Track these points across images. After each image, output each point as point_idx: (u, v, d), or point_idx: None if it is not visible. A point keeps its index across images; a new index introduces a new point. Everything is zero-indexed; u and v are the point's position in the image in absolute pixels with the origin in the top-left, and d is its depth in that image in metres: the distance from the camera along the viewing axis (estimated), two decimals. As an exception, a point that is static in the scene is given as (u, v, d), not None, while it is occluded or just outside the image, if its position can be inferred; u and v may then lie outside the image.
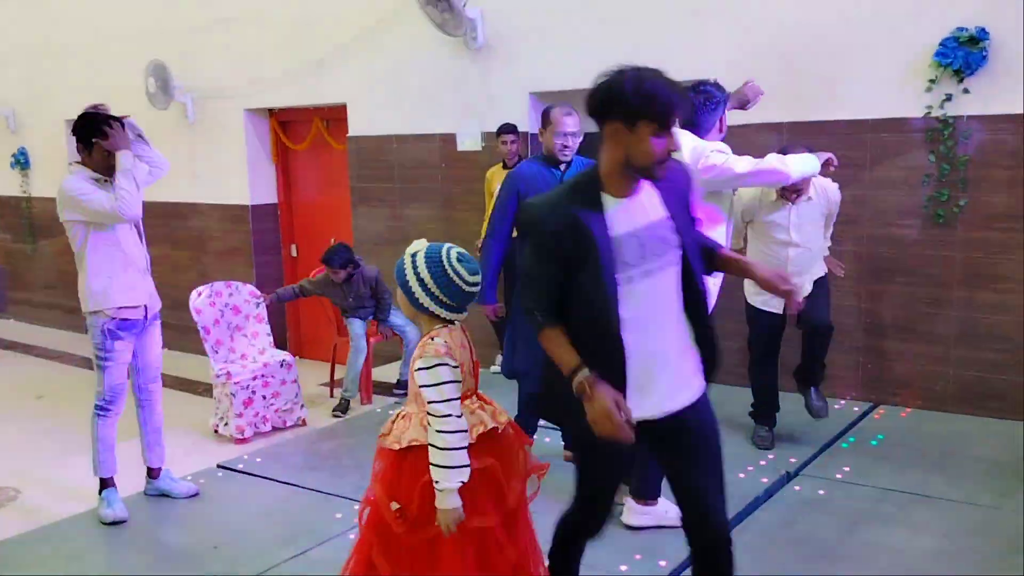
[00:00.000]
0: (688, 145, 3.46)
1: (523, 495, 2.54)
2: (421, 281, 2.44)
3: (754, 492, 3.90)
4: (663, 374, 2.37)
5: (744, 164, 3.51)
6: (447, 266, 2.45)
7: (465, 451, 2.35)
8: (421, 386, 2.37)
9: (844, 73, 4.93)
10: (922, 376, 4.99)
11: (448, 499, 2.33)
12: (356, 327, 5.91)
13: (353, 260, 5.85)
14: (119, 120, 3.92)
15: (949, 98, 4.68)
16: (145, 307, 4.02)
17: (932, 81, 4.70)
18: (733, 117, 5.20)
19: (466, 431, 2.37)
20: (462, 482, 2.32)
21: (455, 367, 2.38)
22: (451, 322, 2.48)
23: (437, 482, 2.33)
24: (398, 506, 2.39)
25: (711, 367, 2.47)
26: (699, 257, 2.43)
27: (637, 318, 2.31)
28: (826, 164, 3.93)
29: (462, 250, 2.52)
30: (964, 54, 4.57)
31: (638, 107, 2.23)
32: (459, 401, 2.38)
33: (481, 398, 2.56)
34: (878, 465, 4.17)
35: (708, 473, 2.44)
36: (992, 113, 4.63)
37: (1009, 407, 4.75)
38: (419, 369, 2.37)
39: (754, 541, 3.48)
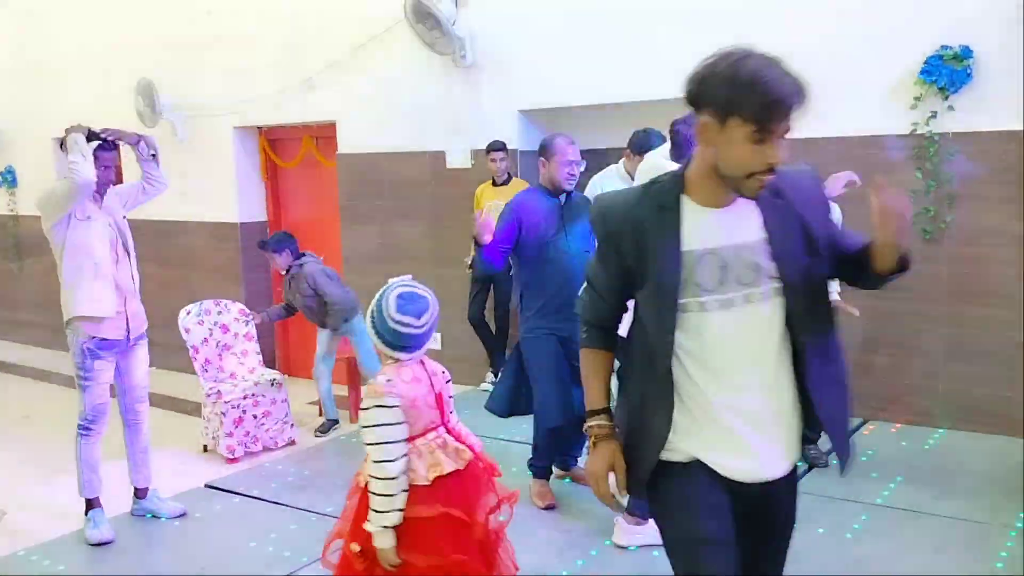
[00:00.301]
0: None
1: (490, 527, 2.53)
2: (371, 318, 2.48)
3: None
4: (754, 433, 1.90)
5: None
6: (383, 306, 2.46)
7: (395, 497, 2.35)
8: (361, 427, 2.37)
9: (831, 91, 4.96)
10: (911, 391, 5.00)
11: (379, 539, 2.36)
12: (320, 344, 5.77)
13: (292, 250, 5.63)
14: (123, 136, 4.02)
15: (934, 115, 4.72)
16: (127, 328, 3.99)
17: (917, 99, 4.75)
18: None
19: (395, 478, 2.36)
20: (389, 525, 2.35)
21: (392, 407, 2.36)
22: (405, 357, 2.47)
23: (368, 521, 2.37)
24: (358, 548, 2.40)
25: (802, 440, 2.00)
26: (810, 296, 1.91)
27: (708, 356, 1.89)
28: (849, 184, 3.92)
29: (412, 290, 2.52)
30: (949, 72, 4.62)
31: (730, 97, 1.79)
32: (397, 444, 2.37)
33: (450, 431, 2.55)
34: (868, 481, 4.17)
35: (776, 563, 2.11)
36: (977, 130, 4.67)
37: (998, 422, 4.76)
38: (361, 409, 2.41)
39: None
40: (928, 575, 3.30)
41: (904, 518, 3.77)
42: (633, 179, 4.52)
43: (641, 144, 4.49)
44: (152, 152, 4.16)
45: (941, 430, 4.87)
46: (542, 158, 3.98)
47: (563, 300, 3.82)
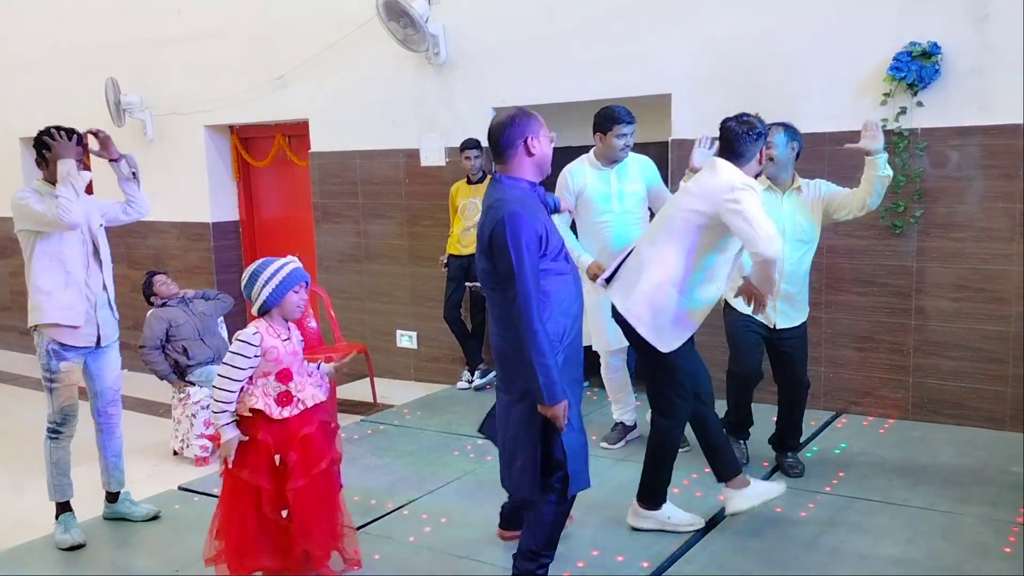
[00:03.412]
0: (724, 174, 3.45)
1: (305, 475, 3.12)
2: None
3: (719, 503, 3.92)
4: None
5: (767, 235, 3.34)
6: None
7: (230, 403, 3.10)
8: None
9: (801, 87, 5.01)
10: (882, 385, 5.06)
11: (223, 434, 3.12)
12: None
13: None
14: (76, 133, 3.88)
15: (904, 111, 4.77)
16: (97, 336, 3.95)
17: (887, 95, 4.80)
18: (692, 131, 5.29)
19: (232, 391, 3.10)
20: (226, 423, 3.10)
21: (254, 344, 3.11)
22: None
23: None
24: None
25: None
26: None
27: None
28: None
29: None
30: (917, 68, 4.67)
31: None
32: (243, 370, 3.10)
33: (291, 395, 3.16)
34: (841, 473, 4.21)
35: None
36: (945, 125, 4.73)
37: (967, 414, 4.83)
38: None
39: (721, 550, 3.49)
40: (900, 565, 3.33)
41: (877, 509, 3.81)
42: (603, 164, 4.49)
43: (604, 122, 4.36)
44: (132, 171, 4.08)
45: (912, 422, 4.94)
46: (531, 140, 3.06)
47: None
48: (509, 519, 3.57)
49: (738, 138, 3.50)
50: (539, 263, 2.86)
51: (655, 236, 3.59)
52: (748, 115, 3.57)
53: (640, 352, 3.66)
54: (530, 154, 3.00)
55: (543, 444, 2.96)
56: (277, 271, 3.17)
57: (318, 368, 3.37)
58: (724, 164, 3.51)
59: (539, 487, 2.98)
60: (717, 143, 3.97)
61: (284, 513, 3.17)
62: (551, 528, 3.07)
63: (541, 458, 2.96)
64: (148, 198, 4.22)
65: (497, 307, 3.00)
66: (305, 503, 3.15)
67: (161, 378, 5.33)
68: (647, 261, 3.52)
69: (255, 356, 3.11)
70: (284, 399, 3.16)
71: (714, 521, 3.78)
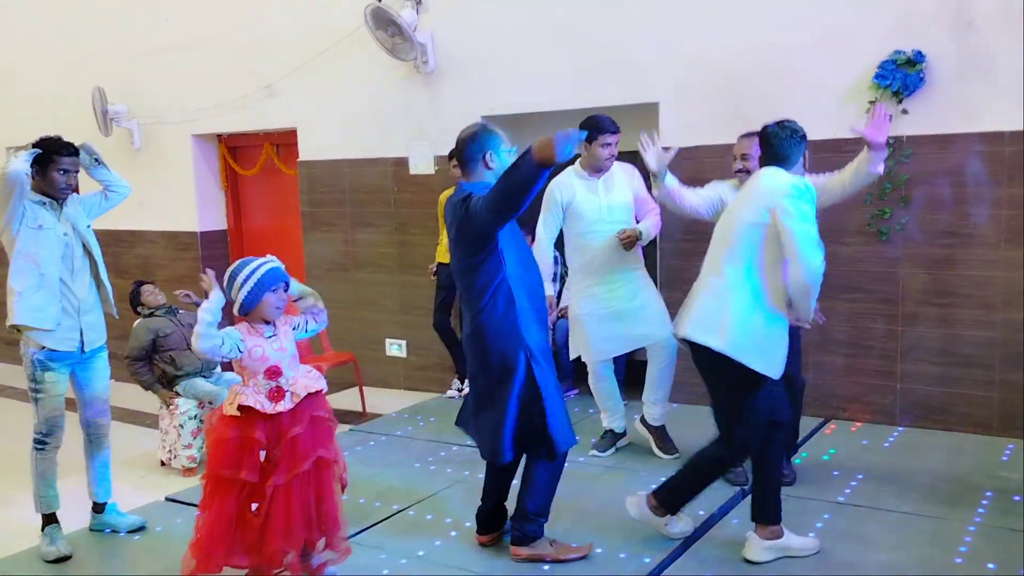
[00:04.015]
0: (777, 177, 3.38)
1: (288, 473, 3.11)
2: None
3: (710, 509, 3.93)
4: None
5: (807, 260, 3.26)
6: None
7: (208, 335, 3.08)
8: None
9: (787, 95, 5.04)
10: (870, 391, 5.08)
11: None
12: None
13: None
14: (72, 145, 3.90)
15: (889, 119, 4.79)
16: (81, 340, 3.92)
17: (872, 102, 4.83)
18: (680, 139, 5.31)
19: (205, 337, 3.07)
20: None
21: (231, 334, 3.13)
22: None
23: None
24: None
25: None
26: None
27: None
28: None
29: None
30: (902, 76, 4.71)
31: None
32: (219, 337, 3.09)
33: (282, 390, 3.15)
34: (830, 479, 4.22)
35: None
36: (930, 133, 4.76)
37: (954, 420, 4.86)
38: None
39: (709, 558, 3.49)
40: (890, 571, 3.34)
41: (865, 515, 3.82)
42: (589, 173, 4.50)
43: (589, 131, 4.38)
44: (95, 157, 4.07)
45: (900, 428, 4.96)
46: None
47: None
48: (487, 523, 3.68)
49: (782, 142, 3.44)
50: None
51: (719, 262, 3.42)
52: (790, 121, 3.51)
53: (723, 387, 3.45)
54: (488, 167, 3.37)
55: (528, 414, 3.34)
56: (253, 272, 3.16)
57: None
58: (772, 170, 3.42)
59: (504, 451, 3.37)
60: (672, 147, 4.07)
61: (254, 507, 3.15)
62: (546, 489, 3.48)
63: (531, 426, 3.35)
64: (134, 205, 4.19)
65: (467, 291, 3.39)
66: (284, 501, 3.13)
67: (146, 388, 5.30)
68: (722, 289, 3.36)
69: (228, 341, 3.10)
70: (275, 394, 3.15)
71: (704, 527, 3.78)
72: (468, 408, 3.62)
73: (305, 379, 3.24)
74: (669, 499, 3.60)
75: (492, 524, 3.68)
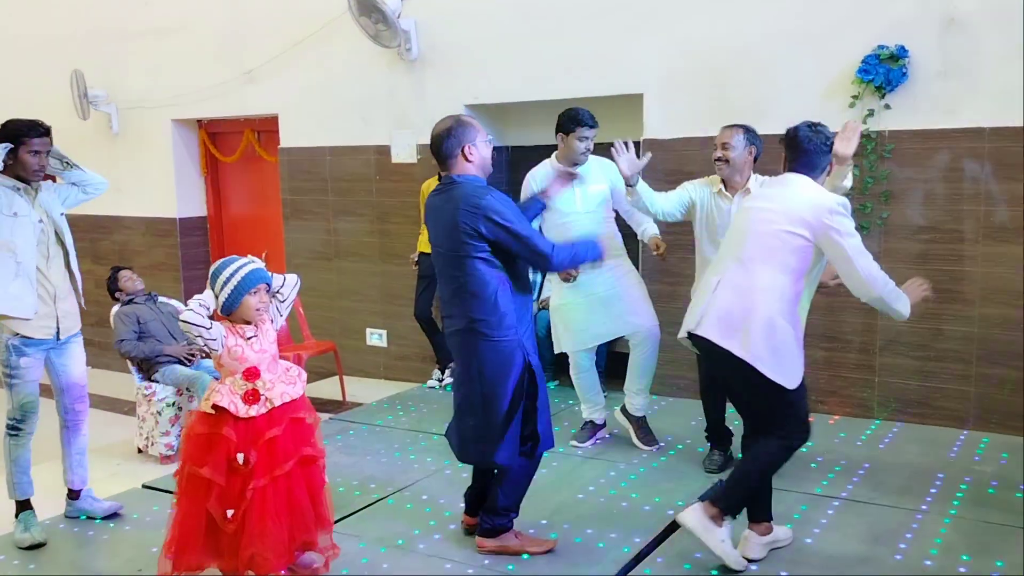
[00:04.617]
0: (813, 193, 3.23)
1: (267, 475, 3.08)
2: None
3: (688, 501, 3.93)
4: None
5: (870, 275, 3.22)
6: None
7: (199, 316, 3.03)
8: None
9: (771, 89, 5.05)
10: (848, 384, 5.11)
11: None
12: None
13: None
14: (42, 125, 3.80)
15: (871, 113, 4.83)
16: (57, 328, 3.86)
17: (855, 97, 4.85)
18: (664, 131, 5.31)
19: (201, 323, 3.02)
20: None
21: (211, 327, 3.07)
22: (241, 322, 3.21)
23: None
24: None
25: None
26: None
27: None
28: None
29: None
30: (885, 71, 4.73)
31: None
32: (207, 329, 3.05)
33: (258, 394, 3.12)
34: (807, 472, 4.24)
35: None
36: (912, 128, 4.79)
37: (932, 413, 4.90)
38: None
39: (689, 548, 3.50)
40: (865, 562, 3.37)
41: (842, 507, 3.85)
42: (565, 165, 4.46)
43: (567, 123, 4.36)
44: (64, 160, 3.99)
45: (877, 421, 5.00)
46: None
47: None
48: (475, 505, 3.66)
49: (816, 148, 3.26)
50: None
51: (748, 259, 3.24)
52: (819, 124, 3.34)
53: (749, 392, 3.31)
54: (468, 160, 3.35)
55: (518, 415, 3.33)
56: (234, 273, 3.11)
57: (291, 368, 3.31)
58: (806, 181, 3.26)
59: (516, 454, 3.35)
60: (646, 154, 4.03)
61: (230, 513, 3.10)
62: (520, 485, 3.50)
63: (517, 429, 3.34)
64: (112, 191, 4.13)
65: (457, 288, 3.33)
66: (263, 505, 3.09)
67: (152, 358, 5.15)
68: (749, 289, 3.20)
69: (216, 328, 3.07)
70: (251, 397, 3.12)
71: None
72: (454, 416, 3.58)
73: (284, 384, 3.20)
74: (762, 507, 3.40)
75: (479, 505, 3.65)
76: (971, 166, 4.68)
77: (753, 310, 3.16)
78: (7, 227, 3.72)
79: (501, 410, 3.32)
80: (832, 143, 3.33)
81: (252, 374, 3.14)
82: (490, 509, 3.50)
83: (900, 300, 3.27)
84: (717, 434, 4.38)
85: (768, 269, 3.19)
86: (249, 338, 3.16)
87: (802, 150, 3.28)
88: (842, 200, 3.24)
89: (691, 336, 3.37)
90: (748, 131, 4.14)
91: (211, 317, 3.09)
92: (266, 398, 3.14)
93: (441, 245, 3.38)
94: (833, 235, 3.15)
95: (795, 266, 3.20)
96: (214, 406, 3.10)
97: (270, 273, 3.23)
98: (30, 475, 3.90)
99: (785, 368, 3.16)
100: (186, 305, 3.10)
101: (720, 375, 3.42)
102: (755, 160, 4.17)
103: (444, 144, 3.34)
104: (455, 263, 3.32)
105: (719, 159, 4.14)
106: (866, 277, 3.19)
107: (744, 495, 3.31)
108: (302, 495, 3.21)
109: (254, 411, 3.12)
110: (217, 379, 3.24)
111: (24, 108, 4.61)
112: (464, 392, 3.45)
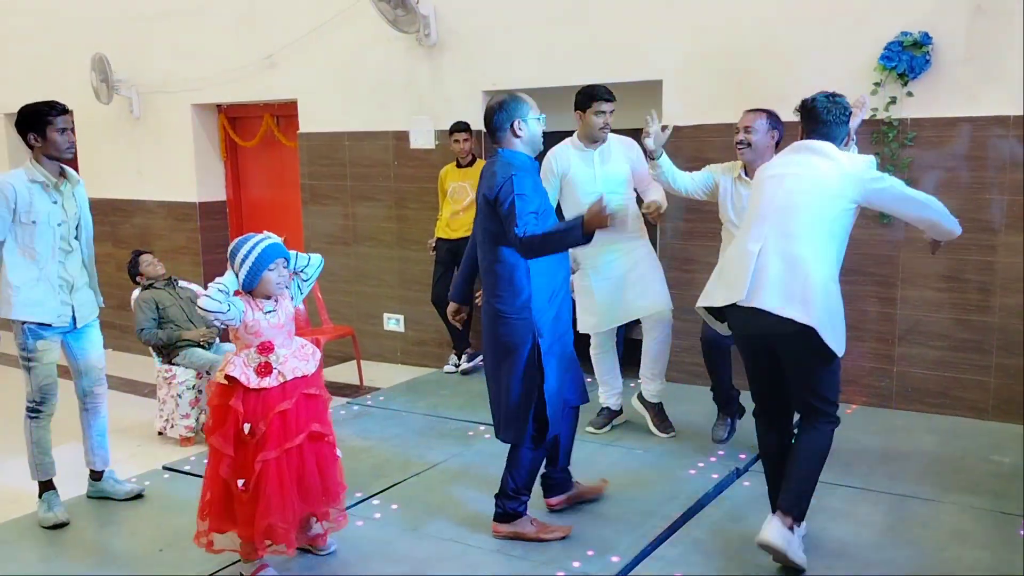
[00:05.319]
0: (844, 157, 3.23)
1: (277, 447, 3.12)
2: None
3: (704, 488, 3.95)
4: None
5: (940, 208, 3.33)
6: None
7: (216, 300, 3.08)
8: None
9: (792, 75, 5.01)
10: (867, 374, 5.09)
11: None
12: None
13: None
14: (62, 106, 3.81)
15: (894, 100, 4.78)
16: (73, 317, 3.91)
17: (877, 84, 4.80)
18: (683, 117, 5.28)
19: (219, 303, 3.07)
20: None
21: (228, 295, 3.13)
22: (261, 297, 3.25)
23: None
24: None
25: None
26: None
27: None
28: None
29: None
30: (908, 58, 4.68)
31: None
32: (225, 306, 3.09)
33: (270, 366, 3.15)
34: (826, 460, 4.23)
35: None
36: (934, 116, 4.74)
37: (950, 403, 4.87)
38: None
39: (703, 535, 3.52)
40: (881, 551, 3.37)
41: (858, 496, 3.85)
42: (585, 144, 4.47)
43: (583, 100, 4.39)
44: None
45: (895, 411, 4.97)
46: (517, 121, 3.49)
47: None
48: (552, 487, 3.75)
49: (836, 118, 3.23)
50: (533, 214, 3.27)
51: (795, 229, 3.16)
52: (837, 95, 3.30)
53: (798, 362, 3.23)
54: (516, 136, 3.43)
55: (528, 396, 3.38)
56: (251, 250, 3.14)
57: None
58: (832, 147, 3.23)
59: (523, 435, 3.42)
60: (668, 127, 4.00)
61: (240, 483, 3.14)
62: (529, 470, 3.52)
63: (532, 411, 3.39)
64: (133, 175, 4.14)
65: (488, 264, 3.41)
66: (273, 477, 3.13)
67: (172, 344, 5.23)
68: (800, 259, 3.12)
69: (234, 309, 3.11)
70: (263, 370, 3.16)
71: (698, 506, 3.80)
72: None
73: (297, 359, 3.24)
74: (804, 506, 3.28)
75: (558, 488, 3.74)
76: (994, 154, 4.63)
77: (809, 277, 3.10)
78: (27, 233, 3.76)
79: (509, 389, 3.39)
80: (851, 113, 3.34)
81: (266, 348, 3.18)
82: (501, 492, 3.54)
83: (951, 216, 3.37)
84: (726, 397, 4.41)
85: (815, 237, 3.15)
86: (268, 312, 3.20)
87: (821, 120, 3.25)
88: (869, 158, 3.27)
89: (730, 308, 3.23)
90: (771, 116, 4.12)
91: (234, 294, 3.15)
92: (278, 371, 3.18)
93: (479, 220, 3.50)
94: (879, 189, 3.19)
95: (838, 232, 3.21)
96: (227, 376, 3.15)
97: (290, 250, 3.27)
98: (52, 456, 3.96)
99: (839, 334, 3.16)
100: (205, 288, 3.13)
101: (760, 348, 3.27)
102: (777, 145, 4.14)
103: (495, 117, 3.43)
104: (482, 236, 3.44)
105: (740, 143, 4.13)
106: (925, 199, 3.26)
107: (811, 492, 3.26)
108: (312, 468, 3.26)
109: (266, 383, 3.15)
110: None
111: (45, 91, 4.65)
112: (485, 366, 3.57)
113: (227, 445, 3.13)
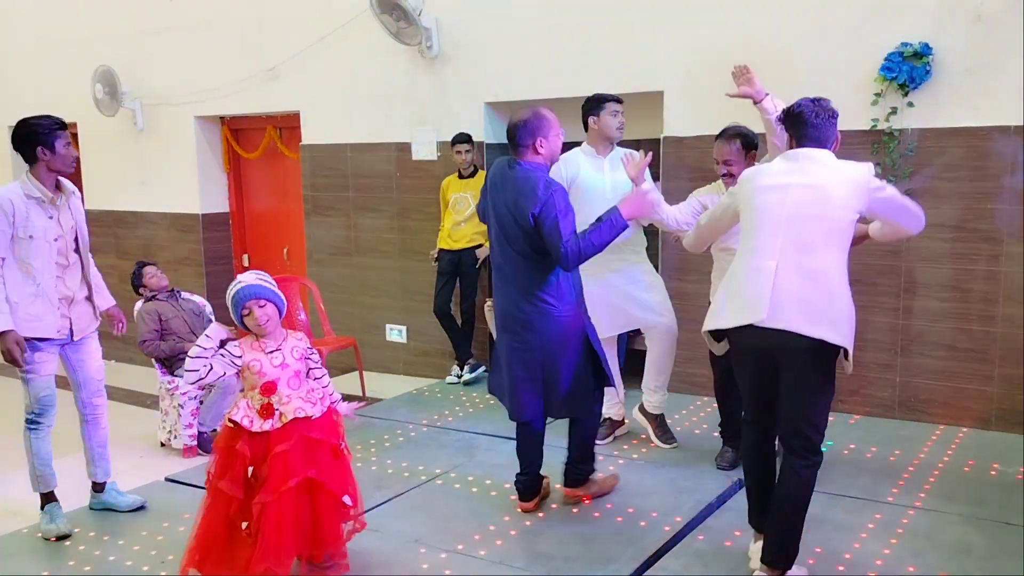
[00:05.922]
0: (843, 165, 3.17)
1: (273, 492, 3.07)
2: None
3: (707, 499, 3.94)
4: None
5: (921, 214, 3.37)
6: None
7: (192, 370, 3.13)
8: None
9: (792, 86, 4.97)
10: (869, 384, 5.08)
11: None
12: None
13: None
14: (61, 121, 3.81)
15: (895, 111, 4.79)
16: (71, 330, 3.91)
17: (878, 95, 4.81)
18: (684, 128, 5.29)
19: (195, 370, 3.12)
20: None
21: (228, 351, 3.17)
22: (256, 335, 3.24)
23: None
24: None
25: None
26: None
27: None
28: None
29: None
30: (909, 68, 4.69)
31: None
32: (205, 360, 3.12)
33: (272, 408, 3.14)
34: (828, 471, 4.19)
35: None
36: (935, 126, 4.75)
37: (953, 414, 4.86)
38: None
39: (707, 546, 3.51)
40: (885, 561, 3.35)
41: (861, 507, 3.84)
42: (597, 150, 4.49)
43: (594, 105, 4.44)
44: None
45: (898, 421, 4.96)
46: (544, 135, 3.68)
47: None
48: (574, 479, 3.98)
49: (823, 123, 3.18)
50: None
51: (811, 242, 3.08)
52: (823, 99, 3.25)
53: (809, 382, 3.11)
54: (538, 152, 3.66)
55: (592, 372, 3.78)
56: (229, 295, 3.18)
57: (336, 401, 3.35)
58: (829, 155, 3.19)
59: (589, 405, 3.86)
60: (644, 152, 4.00)
61: (244, 526, 3.14)
62: (593, 434, 3.99)
63: (592, 380, 3.79)
64: (137, 186, 4.16)
65: (524, 270, 3.66)
66: (275, 519, 3.09)
67: (174, 356, 5.22)
68: (818, 271, 3.06)
69: (228, 357, 3.16)
70: (266, 411, 3.15)
71: (700, 517, 3.79)
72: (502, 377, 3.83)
73: (301, 400, 3.20)
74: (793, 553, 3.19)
75: (578, 480, 3.98)
76: (995, 164, 4.63)
77: (831, 292, 3.06)
78: (24, 248, 3.74)
79: (572, 370, 3.74)
80: (837, 115, 3.25)
81: (268, 388, 3.16)
82: (576, 459, 3.96)
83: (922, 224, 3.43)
84: (734, 429, 4.37)
85: (830, 249, 3.09)
86: (269, 352, 3.18)
87: (810, 124, 3.17)
88: (868, 165, 3.23)
89: (744, 328, 3.11)
90: (742, 136, 4.09)
91: (224, 342, 3.18)
92: (280, 412, 3.15)
93: (507, 232, 3.65)
94: (882, 198, 3.21)
95: (847, 243, 3.17)
96: (231, 420, 3.16)
97: (268, 287, 3.19)
98: (52, 467, 3.96)
99: (852, 347, 3.12)
100: (208, 300, 3.15)
101: (765, 364, 3.14)
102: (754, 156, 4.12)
103: (518, 133, 3.65)
104: (523, 247, 3.64)
105: (726, 175, 4.09)
106: (916, 209, 3.30)
107: (799, 536, 3.15)
108: (305, 514, 3.18)
109: (268, 425, 3.14)
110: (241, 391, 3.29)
111: (48, 103, 4.68)
112: (530, 360, 3.79)
113: (236, 488, 3.12)
